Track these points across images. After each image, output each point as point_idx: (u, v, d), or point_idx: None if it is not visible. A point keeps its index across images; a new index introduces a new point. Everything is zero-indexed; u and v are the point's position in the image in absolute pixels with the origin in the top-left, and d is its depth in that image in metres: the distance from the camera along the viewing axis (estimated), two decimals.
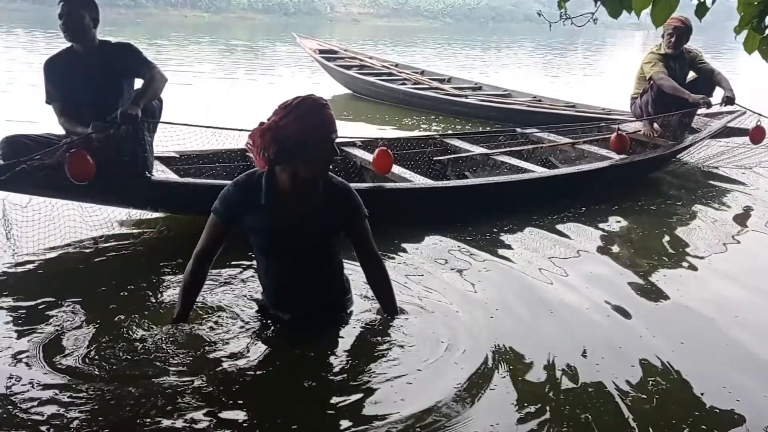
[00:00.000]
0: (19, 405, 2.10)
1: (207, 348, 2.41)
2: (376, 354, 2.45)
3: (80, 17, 3.30)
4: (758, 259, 3.91)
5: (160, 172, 3.70)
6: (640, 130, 5.63)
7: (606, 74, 16.01)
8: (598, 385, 2.39)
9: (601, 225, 4.20)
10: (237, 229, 2.45)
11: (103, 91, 3.36)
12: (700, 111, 5.58)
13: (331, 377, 2.34)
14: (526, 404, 2.26)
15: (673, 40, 5.30)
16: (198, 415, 2.10)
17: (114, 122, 3.16)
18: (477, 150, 5.07)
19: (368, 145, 4.66)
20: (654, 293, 3.25)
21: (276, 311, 2.57)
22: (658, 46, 5.46)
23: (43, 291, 2.92)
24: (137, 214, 3.85)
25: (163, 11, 35.39)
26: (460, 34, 31.50)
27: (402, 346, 2.49)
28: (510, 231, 3.95)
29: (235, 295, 2.82)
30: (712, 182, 5.39)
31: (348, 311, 2.66)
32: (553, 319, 2.91)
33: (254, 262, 2.75)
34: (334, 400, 2.21)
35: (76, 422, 2.04)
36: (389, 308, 2.64)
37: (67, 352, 2.38)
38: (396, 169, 4.24)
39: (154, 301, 2.85)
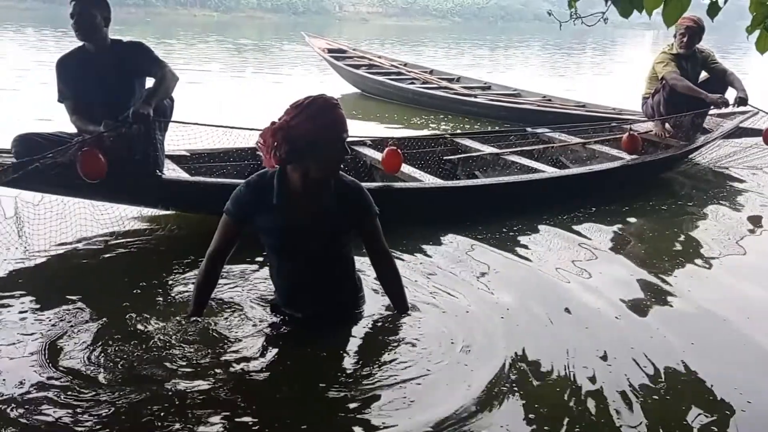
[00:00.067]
0: (26, 405, 2.10)
1: (218, 347, 2.41)
2: (388, 354, 2.45)
3: (92, 16, 3.31)
4: None
5: (171, 171, 3.71)
6: (651, 130, 5.59)
7: (615, 74, 15.93)
8: (609, 385, 2.37)
9: (612, 225, 4.18)
10: (249, 230, 2.45)
11: (115, 90, 3.37)
12: (712, 111, 5.55)
13: (342, 378, 2.33)
14: (539, 405, 2.25)
15: (685, 40, 5.28)
16: (207, 414, 2.10)
17: (126, 121, 3.17)
18: (487, 150, 5.06)
19: (378, 144, 4.66)
20: (665, 293, 3.23)
21: (288, 310, 2.58)
22: (670, 46, 5.43)
23: (53, 288, 2.94)
24: (148, 212, 3.86)
25: (173, 10, 35.47)
26: (468, 33, 31.44)
27: (414, 345, 2.49)
28: (520, 231, 3.94)
29: (248, 294, 2.82)
30: (723, 183, 5.37)
31: (360, 310, 2.66)
32: (566, 318, 2.89)
33: (267, 261, 2.75)
34: (345, 401, 2.20)
35: (83, 422, 2.04)
36: (400, 306, 2.65)
37: (76, 350, 2.39)
38: (405, 168, 4.24)
39: (164, 299, 2.85)
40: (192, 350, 2.37)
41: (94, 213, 3.58)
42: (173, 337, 2.43)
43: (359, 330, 2.60)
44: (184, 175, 3.73)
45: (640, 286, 3.30)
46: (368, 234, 2.53)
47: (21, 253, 3.27)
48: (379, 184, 4.06)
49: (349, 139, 2.38)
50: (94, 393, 2.15)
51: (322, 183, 2.38)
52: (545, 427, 2.15)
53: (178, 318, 2.54)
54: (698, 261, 3.70)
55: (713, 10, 2.24)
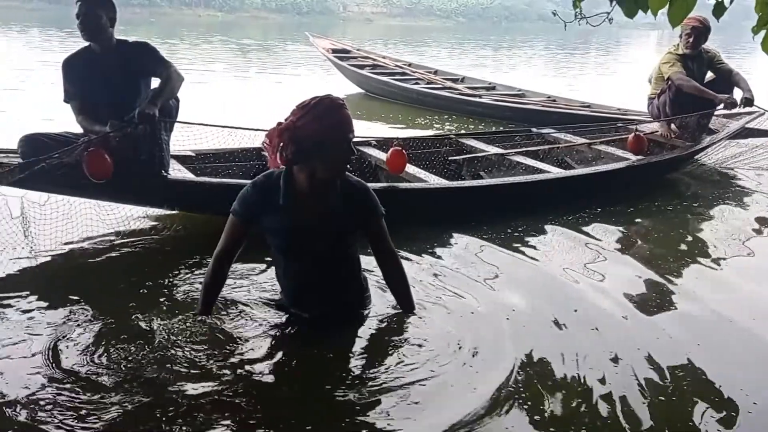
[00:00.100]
0: (30, 406, 2.09)
1: (224, 347, 2.41)
2: (394, 355, 2.44)
3: (97, 17, 3.32)
4: None
5: (177, 171, 3.72)
6: (657, 131, 5.58)
7: (620, 74, 15.90)
8: (616, 386, 2.37)
9: (618, 226, 4.17)
10: (255, 230, 2.46)
11: (121, 90, 3.38)
12: (718, 111, 5.54)
13: (349, 379, 2.32)
14: (546, 407, 2.25)
15: (691, 40, 5.25)
16: (213, 415, 2.10)
17: (132, 121, 3.18)
18: (492, 150, 5.05)
19: (382, 144, 4.66)
20: (671, 294, 3.22)
21: (295, 311, 2.58)
22: (676, 46, 5.41)
23: (58, 288, 2.95)
24: (154, 212, 3.87)
25: (178, 10, 35.49)
26: (473, 33, 31.38)
27: (421, 346, 2.48)
28: (526, 231, 3.93)
29: (254, 294, 2.82)
30: (730, 183, 5.35)
31: (366, 310, 2.66)
32: (573, 318, 2.88)
33: (274, 262, 2.75)
34: (351, 402, 2.20)
35: (87, 422, 2.03)
36: (407, 306, 2.65)
37: (81, 350, 2.39)
38: (410, 168, 4.23)
39: (169, 299, 2.85)
40: (198, 350, 2.37)
41: (100, 213, 3.59)
42: (179, 337, 2.43)
43: (365, 330, 2.59)
44: (189, 176, 3.73)
45: (647, 286, 3.29)
46: (374, 234, 2.53)
47: (27, 253, 3.28)
48: (384, 184, 4.06)
49: (354, 139, 2.38)
50: (98, 393, 2.15)
51: (328, 183, 2.39)
52: (551, 429, 2.15)
53: (183, 318, 2.54)
54: (704, 262, 3.68)
55: (719, 10, 2.23)
